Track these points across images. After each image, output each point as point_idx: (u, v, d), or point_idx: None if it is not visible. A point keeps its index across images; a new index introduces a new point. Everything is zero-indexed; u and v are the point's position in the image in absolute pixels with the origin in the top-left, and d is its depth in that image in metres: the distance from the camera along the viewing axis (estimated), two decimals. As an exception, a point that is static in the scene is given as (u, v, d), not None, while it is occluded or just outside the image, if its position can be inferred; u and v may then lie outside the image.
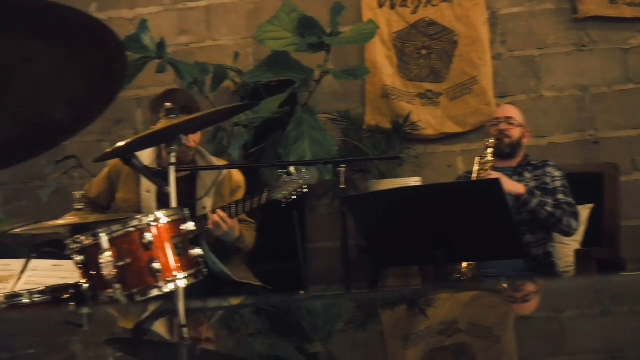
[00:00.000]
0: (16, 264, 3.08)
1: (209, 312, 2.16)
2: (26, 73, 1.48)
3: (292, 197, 3.28)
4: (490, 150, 3.33)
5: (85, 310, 2.11)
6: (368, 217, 2.89)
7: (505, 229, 2.57)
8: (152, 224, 2.11)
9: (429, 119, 4.24)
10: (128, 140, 2.50)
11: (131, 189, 3.36)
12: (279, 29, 3.85)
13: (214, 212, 3.06)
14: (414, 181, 3.96)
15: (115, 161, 3.33)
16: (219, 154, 3.62)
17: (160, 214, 2.14)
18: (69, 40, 1.43)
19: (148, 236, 2.08)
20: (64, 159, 4.08)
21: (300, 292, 3.56)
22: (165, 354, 1.33)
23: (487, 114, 4.03)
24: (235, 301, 2.20)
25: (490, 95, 4.18)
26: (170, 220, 2.16)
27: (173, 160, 2.46)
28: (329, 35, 3.81)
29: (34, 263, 3.11)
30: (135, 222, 2.09)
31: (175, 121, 2.39)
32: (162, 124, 2.47)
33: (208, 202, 3.25)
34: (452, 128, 4.20)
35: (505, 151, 3.39)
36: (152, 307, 2.15)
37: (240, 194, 3.32)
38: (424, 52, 4.27)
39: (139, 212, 3.35)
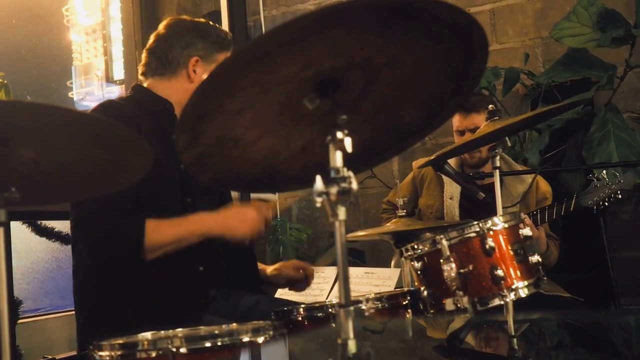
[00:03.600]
0: (329, 270, 3.19)
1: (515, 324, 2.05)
2: (389, 76, 1.45)
3: (604, 204, 3.06)
4: None
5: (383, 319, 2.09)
6: None
7: None
8: (492, 229, 2.02)
9: None
10: (451, 147, 2.46)
11: (434, 195, 3.34)
12: (577, 24, 3.63)
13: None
14: None
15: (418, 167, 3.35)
16: (513, 159, 3.49)
17: (497, 219, 2.05)
18: (438, 38, 1.37)
19: (489, 242, 1.99)
20: (357, 168, 4.16)
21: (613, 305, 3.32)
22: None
23: None
24: (545, 314, 2.08)
25: None
26: (508, 225, 2.06)
27: (497, 163, 2.37)
28: (634, 26, 3.52)
29: (346, 270, 3.19)
30: (475, 228, 2.01)
31: (501, 124, 2.30)
32: (487, 127, 2.39)
33: (514, 213, 3.13)
34: None
35: None
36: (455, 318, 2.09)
37: (544, 205, 3.17)
38: None
39: (442, 218, 3.32)
